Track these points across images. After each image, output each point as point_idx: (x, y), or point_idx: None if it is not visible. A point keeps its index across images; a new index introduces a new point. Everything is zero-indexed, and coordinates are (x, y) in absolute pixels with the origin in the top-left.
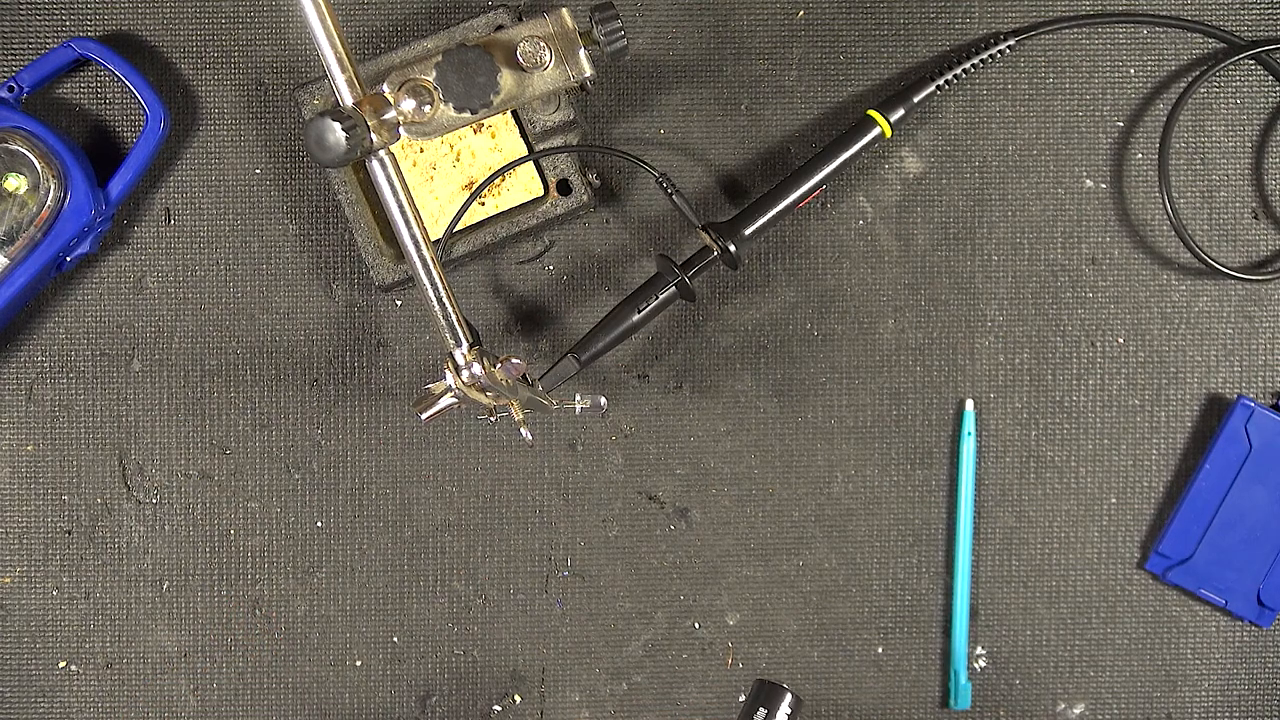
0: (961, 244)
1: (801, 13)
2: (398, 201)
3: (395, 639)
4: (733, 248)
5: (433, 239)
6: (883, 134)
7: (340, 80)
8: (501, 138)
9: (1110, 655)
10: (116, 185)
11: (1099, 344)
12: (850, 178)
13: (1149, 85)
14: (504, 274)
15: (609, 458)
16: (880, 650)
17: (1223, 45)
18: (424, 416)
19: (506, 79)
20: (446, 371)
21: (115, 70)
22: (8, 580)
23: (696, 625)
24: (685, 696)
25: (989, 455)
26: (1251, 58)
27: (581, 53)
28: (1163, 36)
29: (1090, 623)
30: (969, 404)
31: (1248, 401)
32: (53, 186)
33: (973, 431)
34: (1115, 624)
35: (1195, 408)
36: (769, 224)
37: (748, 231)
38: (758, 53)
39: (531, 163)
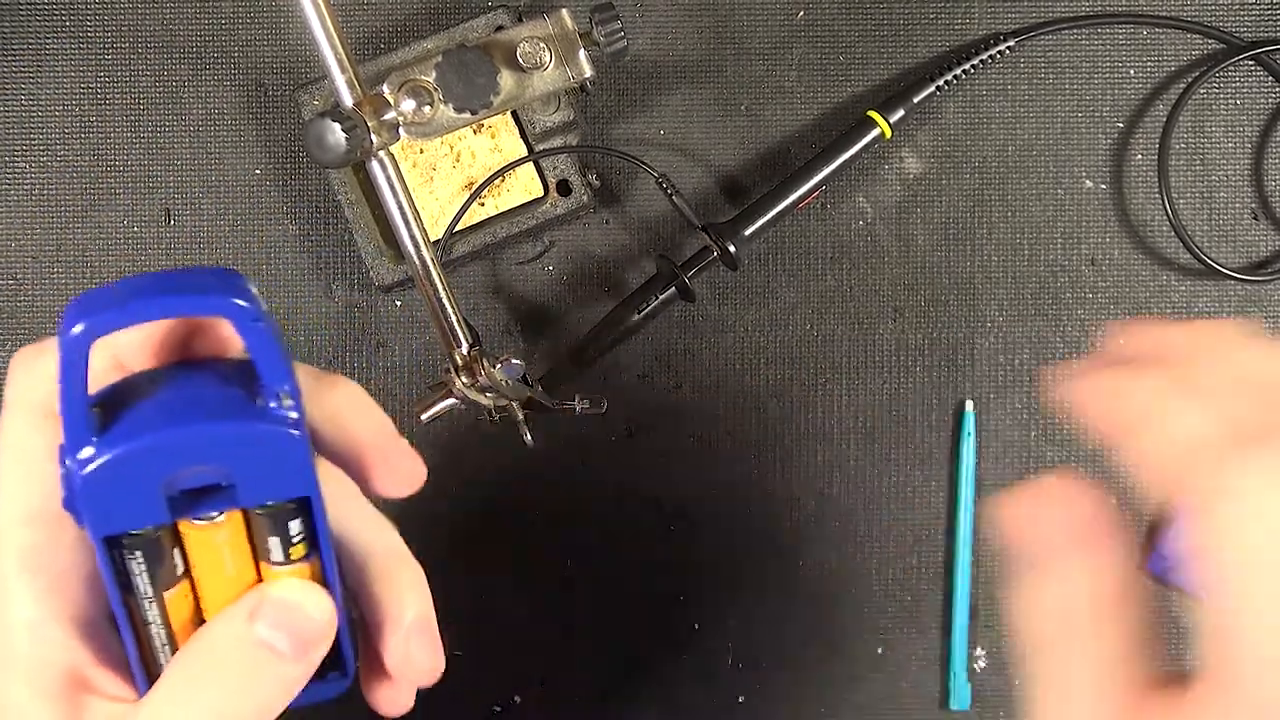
0: (961, 244)
1: (801, 13)
2: (398, 202)
3: None
4: (733, 248)
5: (433, 239)
6: (883, 134)
7: (340, 81)
8: (501, 138)
9: None
10: None
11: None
12: (850, 178)
13: (1149, 85)
14: (504, 274)
15: (609, 458)
16: (880, 650)
17: (1223, 46)
18: (424, 417)
19: (506, 80)
20: (446, 372)
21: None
22: None
23: (696, 625)
24: (686, 696)
25: (989, 455)
26: (1251, 58)
27: (581, 53)
28: (1163, 37)
29: None
30: (969, 404)
31: None
32: None
33: (973, 432)
34: None
35: None
36: (769, 224)
37: (748, 232)
38: (758, 53)
39: (531, 163)
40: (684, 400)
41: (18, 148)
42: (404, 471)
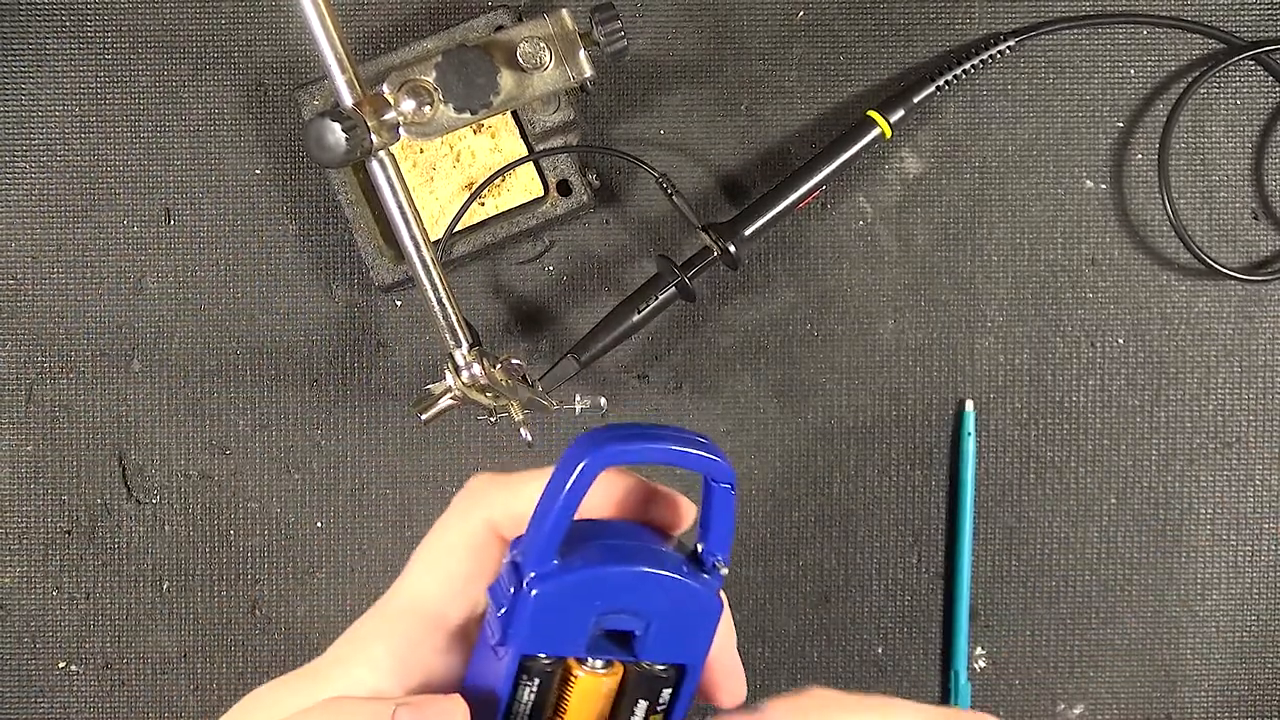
0: (961, 244)
1: (801, 13)
2: (398, 202)
3: None
4: (733, 248)
5: (433, 239)
6: (883, 134)
7: (340, 80)
8: (501, 138)
9: (1110, 655)
10: None
11: (1099, 344)
12: (850, 178)
13: (1149, 85)
14: (504, 274)
15: None
16: (880, 650)
17: (1223, 45)
18: (424, 417)
19: (506, 79)
20: (446, 372)
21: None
22: (8, 580)
23: None
24: None
25: (989, 455)
26: (1251, 58)
27: (581, 53)
28: (1163, 36)
29: (1090, 623)
30: (969, 404)
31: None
32: None
33: (973, 431)
34: (1115, 624)
35: (1195, 408)
36: (769, 224)
37: (748, 232)
38: (758, 53)
39: (531, 163)
40: (684, 400)
41: (18, 148)
42: (733, 689)
